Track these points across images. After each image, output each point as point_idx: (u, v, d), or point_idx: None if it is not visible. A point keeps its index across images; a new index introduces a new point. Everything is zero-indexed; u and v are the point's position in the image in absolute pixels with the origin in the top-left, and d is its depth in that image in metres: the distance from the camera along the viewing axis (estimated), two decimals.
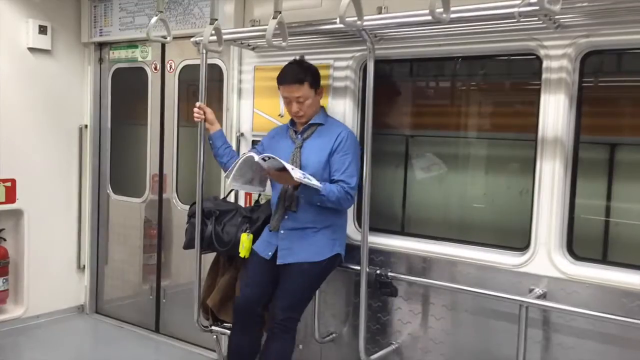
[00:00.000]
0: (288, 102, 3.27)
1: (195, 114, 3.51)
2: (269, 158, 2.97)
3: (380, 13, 3.20)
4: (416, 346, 3.39)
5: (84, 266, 5.17)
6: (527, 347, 2.87)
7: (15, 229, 4.74)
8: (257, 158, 3.01)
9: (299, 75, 3.24)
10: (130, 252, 4.96)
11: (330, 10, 3.39)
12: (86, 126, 5.05)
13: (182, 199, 4.62)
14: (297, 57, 3.42)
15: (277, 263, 3.24)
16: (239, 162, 3.13)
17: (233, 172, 3.17)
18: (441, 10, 2.48)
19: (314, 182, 3.02)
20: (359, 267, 3.28)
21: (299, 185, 3.09)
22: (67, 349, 4.45)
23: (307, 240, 3.23)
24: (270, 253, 3.28)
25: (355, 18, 2.70)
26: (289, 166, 2.97)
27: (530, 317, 2.89)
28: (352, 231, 3.51)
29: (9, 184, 4.55)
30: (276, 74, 3.63)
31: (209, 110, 3.52)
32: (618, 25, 2.69)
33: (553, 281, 2.91)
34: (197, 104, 3.52)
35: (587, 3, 2.52)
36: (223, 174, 4.15)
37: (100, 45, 5.04)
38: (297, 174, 2.96)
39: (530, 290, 2.95)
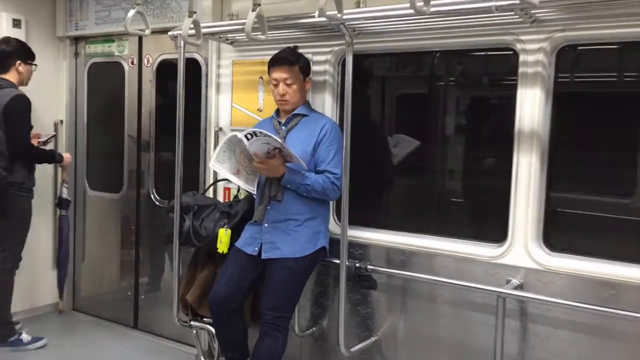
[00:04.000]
0: (275, 85, 3.27)
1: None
2: (255, 135, 2.96)
3: (358, 7, 3.21)
4: (396, 338, 3.42)
5: None
6: (504, 337, 2.91)
7: None
8: (240, 135, 3.00)
9: (291, 57, 3.28)
10: (108, 249, 4.92)
11: (309, 4, 3.38)
12: (62, 121, 4.98)
13: (160, 194, 4.59)
14: (291, 46, 3.44)
15: (262, 257, 3.24)
16: (224, 141, 3.12)
17: (217, 151, 3.16)
18: (422, 3, 2.50)
19: (302, 163, 3.06)
20: (338, 261, 3.29)
21: (283, 176, 3.10)
22: (46, 347, 4.39)
23: (290, 234, 3.23)
24: (256, 248, 3.27)
25: (335, 12, 2.71)
26: (279, 140, 2.98)
27: (507, 308, 2.93)
28: (332, 225, 3.51)
29: None
30: (255, 68, 3.64)
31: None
32: (593, 19, 2.73)
33: (530, 272, 2.96)
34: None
35: None
36: (202, 169, 4.16)
37: (76, 40, 4.98)
38: (288, 149, 2.98)
39: (508, 282, 2.99)
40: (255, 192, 3.37)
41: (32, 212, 4.30)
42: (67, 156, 4.55)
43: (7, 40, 4.27)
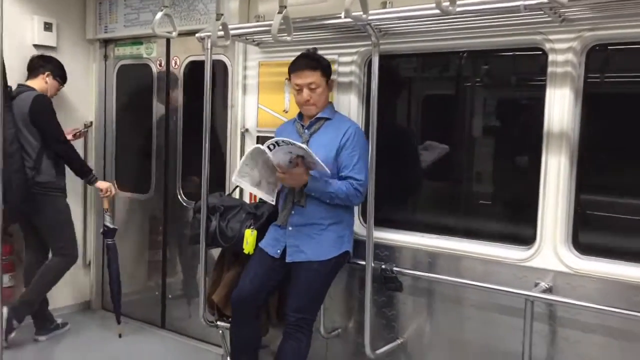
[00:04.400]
0: (299, 90, 3.25)
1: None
2: (278, 144, 2.96)
3: (384, 7, 3.20)
4: (422, 341, 3.40)
5: (90, 262, 5.19)
6: (532, 341, 2.87)
7: None
8: (263, 146, 3.00)
9: (313, 62, 3.26)
10: (136, 248, 4.98)
11: (334, 5, 3.38)
12: (91, 122, 5.05)
13: (187, 195, 4.63)
14: (310, 49, 3.43)
15: (287, 260, 3.24)
16: (246, 154, 3.12)
17: (239, 166, 3.17)
18: (447, 3, 2.48)
19: (325, 169, 3.04)
20: (364, 262, 3.28)
21: (306, 184, 3.10)
22: (75, 344, 4.47)
23: (315, 238, 3.23)
24: (279, 251, 3.28)
25: (361, 12, 2.70)
26: (303, 146, 2.97)
27: (535, 312, 2.88)
28: (357, 226, 3.50)
29: None
30: (281, 69, 3.64)
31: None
32: (624, 18, 2.68)
33: (559, 275, 2.91)
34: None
35: None
36: (228, 170, 4.18)
37: (105, 42, 5.05)
38: (312, 156, 2.96)
39: (536, 285, 2.95)
40: (273, 202, 3.36)
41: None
42: (104, 185, 4.49)
43: (48, 57, 4.50)
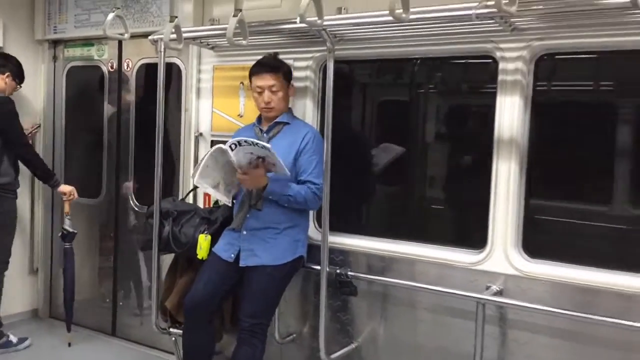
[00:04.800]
0: (260, 93, 3.24)
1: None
2: (240, 144, 2.94)
3: (340, 13, 3.22)
4: (376, 345, 3.42)
5: (37, 269, 5.05)
6: (484, 343, 2.92)
7: None
8: (225, 146, 2.98)
9: (275, 64, 3.27)
10: (86, 255, 4.86)
11: (289, 10, 3.41)
12: (39, 125, 4.92)
13: (139, 199, 4.55)
14: (271, 53, 3.43)
15: (240, 265, 3.22)
16: (207, 155, 3.09)
17: (200, 166, 3.12)
18: (401, 10, 2.51)
19: (286, 170, 3.03)
20: (319, 267, 3.28)
21: (266, 186, 3.09)
22: (23, 353, 4.35)
23: (269, 242, 3.21)
24: (232, 255, 3.25)
25: (316, 18, 2.71)
26: (267, 145, 2.95)
27: (487, 314, 2.94)
28: (312, 231, 3.51)
29: None
30: (236, 73, 3.62)
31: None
32: (571, 29, 2.77)
33: (509, 278, 2.98)
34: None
35: (542, 6, 2.58)
36: (181, 174, 4.13)
37: (55, 43, 4.92)
38: (274, 156, 2.96)
39: (487, 288, 3.00)
40: (229, 203, 3.34)
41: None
42: (67, 189, 4.39)
43: (7, 55, 4.41)
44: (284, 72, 3.28)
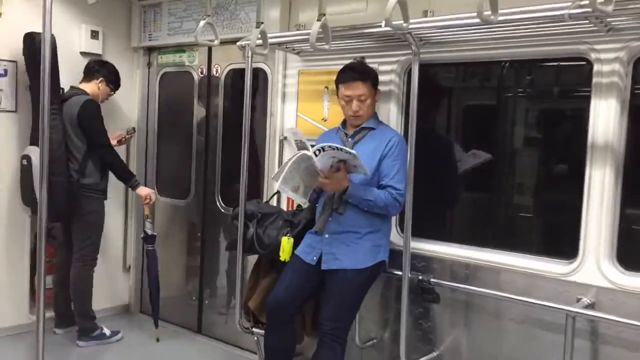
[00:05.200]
0: (348, 101, 3.23)
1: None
2: (323, 150, 2.95)
3: (425, 16, 3.18)
4: (458, 354, 3.34)
5: (130, 267, 5.28)
6: (573, 358, 2.80)
7: None
8: (310, 152, 3.00)
9: (363, 73, 3.24)
10: (175, 253, 5.04)
11: (375, 14, 3.39)
12: (134, 128, 5.15)
13: (225, 201, 4.67)
14: (358, 59, 3.42)
15: (322, 268, 3.23)
16: (291, 161, 3.10)
17: (284, 172, 3.16)
18: (489, 12, 2.45)
19: (366, 169, 3.03)
20: (400, 273, 3.25)
21: (347, 189, 3.09)
22: (114, 346, 4.54)
23: (351, 246, 3.21)
24: (314, 258, 3.27)
25: (401, 21, 2.69)
26: (352, 151, 2.96)
27: (577, 328, 2.81)
28: (395, 236, 3.48)
29: None
30: (320, 78, 3.64)
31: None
32: None
33: (602, 291, 2.84)
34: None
35: None
36: (266, 177, 4.20)
37: (149, 50, 5.15)
38: (358, 160, 2.96)
39: (578, 300, 2.88)
40: (305, 204, 3.35)
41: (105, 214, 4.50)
42: (144, 192, 4.51)
43: (104, 62, 4.62)
44: (371, 79, 3.24)
